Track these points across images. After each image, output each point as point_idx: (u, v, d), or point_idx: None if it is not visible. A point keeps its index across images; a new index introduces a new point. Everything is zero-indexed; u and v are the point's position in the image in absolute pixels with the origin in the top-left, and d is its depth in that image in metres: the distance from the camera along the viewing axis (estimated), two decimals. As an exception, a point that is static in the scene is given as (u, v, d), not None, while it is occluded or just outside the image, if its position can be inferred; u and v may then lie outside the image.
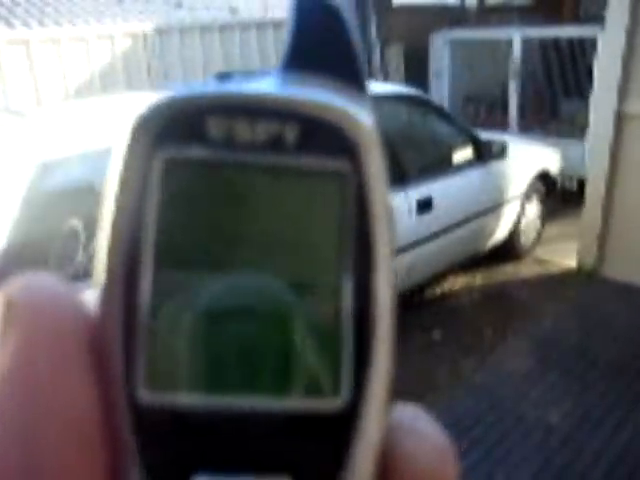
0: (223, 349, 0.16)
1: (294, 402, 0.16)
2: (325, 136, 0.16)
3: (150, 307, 0.16)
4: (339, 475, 0.16)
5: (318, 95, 0.17)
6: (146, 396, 0.16)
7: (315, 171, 0.16)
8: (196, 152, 0.16)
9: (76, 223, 2.42)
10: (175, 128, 0.16)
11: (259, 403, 0.16)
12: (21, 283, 0.17)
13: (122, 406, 0.15)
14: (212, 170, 0.16)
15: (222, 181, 0.16)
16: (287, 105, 0.16)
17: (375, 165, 0.17)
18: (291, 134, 0.16)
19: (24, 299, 0.16)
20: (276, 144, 0.16)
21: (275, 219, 0.16)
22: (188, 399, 0.16)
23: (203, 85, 0.17)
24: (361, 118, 0.17)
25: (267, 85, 0.18)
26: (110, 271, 0.16)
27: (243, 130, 0.16)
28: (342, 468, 0.16)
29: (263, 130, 0.16)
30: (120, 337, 0.16)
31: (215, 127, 0.16)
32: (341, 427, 0.16)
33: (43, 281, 0.17)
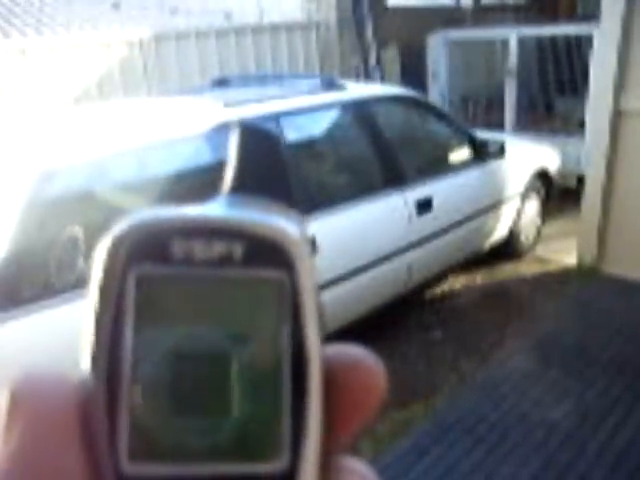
0: (183, 427, 0.20)
1: (246, 466, 0.20)
2: (265, 251, 0.20)
3: (127, 395, 0.19)
4: None
5: (259, 217, 0.21)
6: (127, 467, 0.19)
7: (258, 279, 0.20)
8: (161, 270, 0.20)
9: (77, 231, 2.43)
10: (143, 248, 0.20)
11: (219, 469, 0.19)
12: (22, 380, 0.20)
13: (110, 477, 0.19)
14: (175, 283, 0.20)
15: (182, 291, 0.20)
16: (234, 227, 0.20)
17: (305, 270, 0.21)
18: (238, 250, 0.20)
19: (25, 395, 0.20)
20: (226, 259, 0.20)
21: (225, 319, 0.20)
22: (159, 469, 0.19)
23: (166, 209, 0.21)
24: (292, 234, 0.21)
25: (218, 209, 0.21)
26: (94, 365, 0.20)
27: (199, 249, 0.20)
28: None
29: (216, 248, 0.20)
30: (104, 421, 0.19)
31: (177, 247, 0.20)
32: None
33: (41, 376, 0.20)
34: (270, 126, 3.14)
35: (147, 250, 0.20)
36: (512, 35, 6.45)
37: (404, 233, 3.65)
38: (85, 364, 0.20)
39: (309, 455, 0.20)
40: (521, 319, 4.04)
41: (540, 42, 6.74)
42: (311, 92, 3.54)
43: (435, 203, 3.82)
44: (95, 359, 0.20)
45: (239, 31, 5.90)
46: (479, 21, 7.92)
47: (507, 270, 4.81)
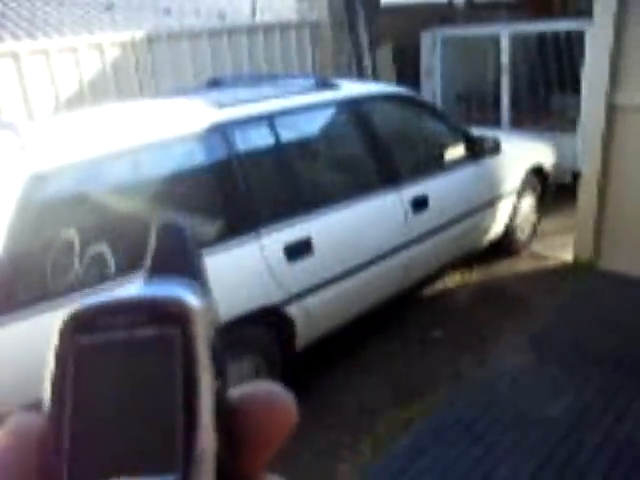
0: (106, 448, 0.26)
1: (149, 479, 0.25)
2: (164, 316, 0.27)
3: (68, 428, 0.26)
4: None
5: (161, 291, 0.28)
6: None
7: (159, 337, 0.27)
8: (90, 337, 0.27)
9: (71, 233, 2.42)
10: (81, 326, 0.27)
11: None
12: (8, 427, 0.26)
13: None
14: (99, 345, 0.27)
15: (104, 350, 0.27)
16: (141, 302, 0.28)
17: (200, 334, 0.27)
18: (142, 316, 0.27)
19: (7, 443, 0.26)
20: (135, 324, 0.27)
21: (134, 367, 0.26)
22: None
23: (97, 296, 0.28)
24: (186, 301, 0.27)
25: (135, 289, 0.29)
26: (51, 407, 0.27)
27: (115, 320, 0.27)
28: None
29: (129, 320, 0.27)
30: (52, 451, 0.26)
31: (100, 322, 0.27)
32: None
33: (23, 424, 0.27)
34: (263, 130, 3.13)
35: (81, 325, 0.27)
36: (505, 32, 6.46)
37: (400, 232, 3.64)
38: (44, 406, 0.27)
39: (198, 472, 0.25)
40: (518, 316, 4.05)
41: (533, 39, 6.75)
42: (305, 91, 3.53)
43: (431, 201, 3.82)
44: (52, 403, 0.27)
45: (232, 31, 5.88)
46: (472, 18, 7.93)
47: (504, 267, 4.82)
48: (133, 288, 0.29)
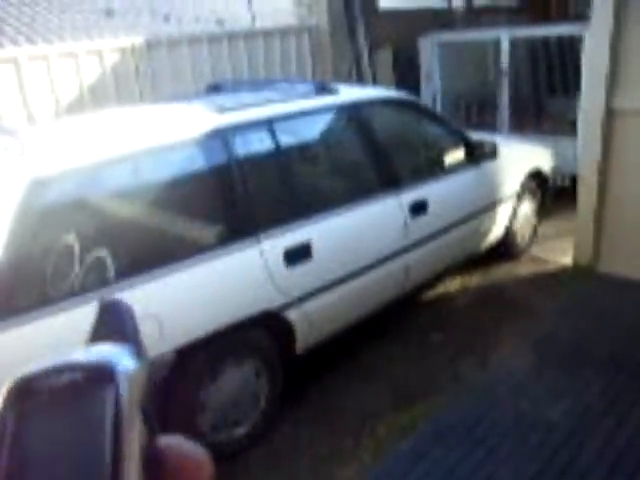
0: None
1: None
2: (98, 376, 0.30)
3: None
4: None
5: (99, 355, 0.31)
6: None
7: (94, 396, 0.29)
8: (27, 402, 0.30)
9: (71, 238, 2.42)
10: (21, 390, 0.30)
11: None
12: None
13: None
14: (36, 408, 0.29)
15: (41, 411, 0.29)
16: (75, 362, 0.31)
17: (129, 386, 0.30)
18: (78, 376, 0.30)
19: None
20: (71, 387, 0.29)
21: (69, 424, 0.29)
22: None
23: (38, 362, 0.32)
24: (123, 366, 0.30)
25: (74, 354, 0.31)
26: None
27: (51, 382, 0.30)
28: None
29: (64, 378, 0.30)
30: None
31: (38, 385, 0.30)
32: None
33: None
34: (263, 135, 3.14)
35: (19, 394, 0.30)
36: (504, 36, 6.47)
37: (399, 236, 3.64)
38: None
39: None
40: (518, 319, 4.05)
41: (532, 43, 6.77)
42: (304, 96, 3.54)
43: (430, 205, 3.82)
44: None
45: (232, 37, 5.90)
46: (471, 23, 7.95)
47: (503, 271, 4.82)
48: (72, 354, 0.32)
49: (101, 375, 0.30)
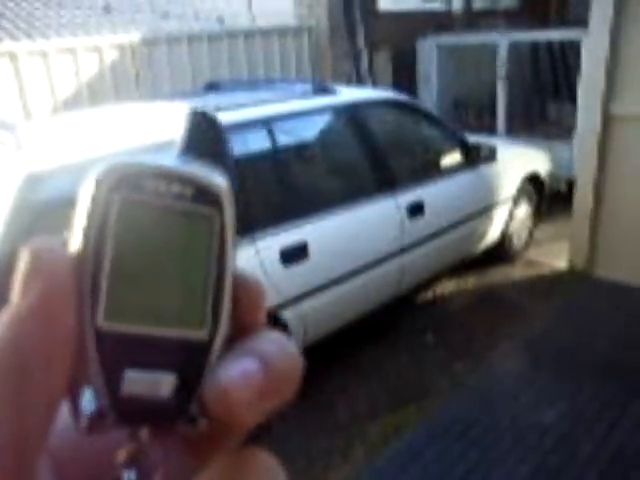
0: (147, 300, 0.27)
1: (182, 332, 0.28)
2: (205, 194, 0.29)
3: (108, 270, 0.27)
4: (202, 372, 0.28)
5: (201, 170, 0.29)
6: (104, 325, 0.26)
7: (200, 213, 0.29)
8: (135, 196, 0.27)
9: (67, 235, 2.42)
10: (123, 182, 0.27)
11: (164, 332, 0.28)
12: (42, 247, 0.26)
13: (90, 332, 0.26)
14: (143, 206, 0.27)
15: (148, 212, 0.27)
16: (187, 175, 0.28)
17: (229, 212, 0.30)
18: (188, 192, 0.28)
19: (45, 259, 0.25)
20: (180, 196, 0.28)
21: (177, 235, 0.28)
22: (125, 328, 0.27)
23: (138, 157, 0.28)
24: (223, 185, 0.29)
25: (175, 161, 0.29)
26: (85, 244, 0.27)
27: (161, 186, 0.28)
28: (205, 368, 0.29)
29: (174, 188, 0.28)
30: (89, 287, 0.26)
31: (147, 183, 0.27)
32: (206, 348, 0.29)
33: (53, 245, 0.26)
34: (260, 135, 3.14)
35: (125, 183, 0.27)
36: (502, 40, 6.49)
37: (396, 237, 3.65)
38: (75, 243, 0.27)
39: (221, 330, 0.29)
40: (513, 322, 4.05)
41: (531, 47, 6.78)
42: (303, 96, 3.54)
43: (427, 207, 3.83)
44: (86, 238, 0.27)
45: (231, 35, 5.89)
46: (470, 26, 7.96)
47: (499, 273, 4.83)
48: (169, 159, 0.29)
49: (210, 193, 0.29)
